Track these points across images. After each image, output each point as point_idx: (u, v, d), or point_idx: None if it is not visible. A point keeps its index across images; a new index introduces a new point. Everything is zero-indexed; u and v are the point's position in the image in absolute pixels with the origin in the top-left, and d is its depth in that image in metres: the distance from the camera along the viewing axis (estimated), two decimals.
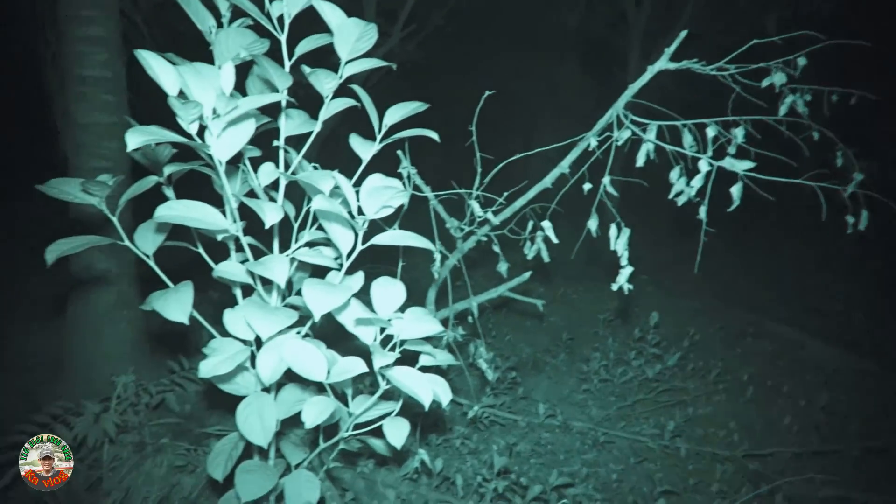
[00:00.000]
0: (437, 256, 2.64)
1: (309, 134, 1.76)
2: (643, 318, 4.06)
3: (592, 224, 2.39)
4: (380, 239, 1.60)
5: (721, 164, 2.06)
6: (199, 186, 1.87)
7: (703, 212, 2.16)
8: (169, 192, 1.77)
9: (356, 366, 1.55)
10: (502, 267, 2.78)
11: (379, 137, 1.76)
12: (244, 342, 1.66)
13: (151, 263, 1.72)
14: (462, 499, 2.58)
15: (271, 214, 1.45)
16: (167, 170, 1.69)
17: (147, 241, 1.72)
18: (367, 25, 1.57)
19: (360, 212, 1.55)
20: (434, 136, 1.77)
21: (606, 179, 2.33)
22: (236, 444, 1.84)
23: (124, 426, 2.71)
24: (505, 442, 3.18)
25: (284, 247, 1.79)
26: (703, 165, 2.11)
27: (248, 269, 1.63)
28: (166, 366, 3.19)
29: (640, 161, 2.22)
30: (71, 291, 3.38)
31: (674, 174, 2.28)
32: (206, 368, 1.54)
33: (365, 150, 1.78)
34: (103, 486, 2.54)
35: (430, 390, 1.54)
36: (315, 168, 1.72)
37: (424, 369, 1.69)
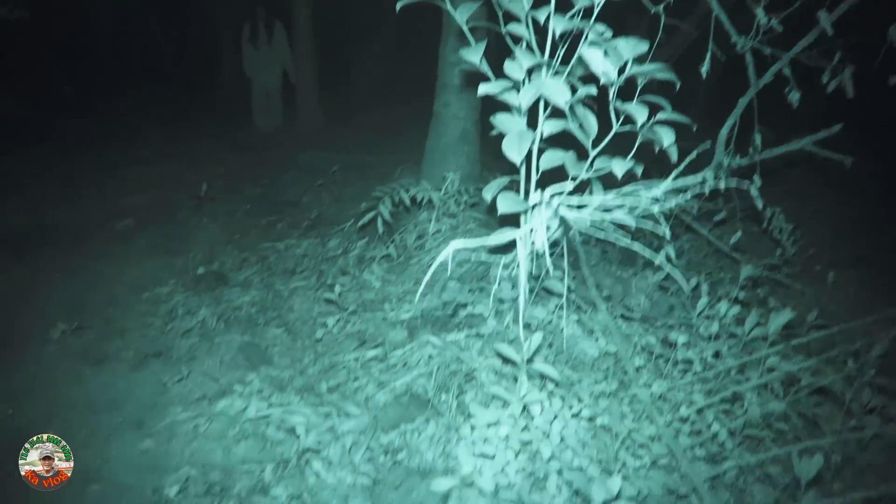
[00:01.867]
0: (707, 59, 2.66)
1: None
2: None
3: None
4: None
5: None
6: None
7: None
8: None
9: (590, 91, 1.92)
10: (795, 96, 2.68)
11: None
12: (515, 82, 2.17)
13: None
14: (699, 315, 2.69)
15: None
16: None
17: None
18: None
19: None
20: None
21: None
22: (504, 182, 2.39)
23: (447, 211, 3.56)
24: (780, 302, 3.10)
25: None
26: None
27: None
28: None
29: None
30: (430, 129, 4.38)
31: None
32: (483, 89, 2.10)
33: None
34: (426, 246, 3.43)
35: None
36: None
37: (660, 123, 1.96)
